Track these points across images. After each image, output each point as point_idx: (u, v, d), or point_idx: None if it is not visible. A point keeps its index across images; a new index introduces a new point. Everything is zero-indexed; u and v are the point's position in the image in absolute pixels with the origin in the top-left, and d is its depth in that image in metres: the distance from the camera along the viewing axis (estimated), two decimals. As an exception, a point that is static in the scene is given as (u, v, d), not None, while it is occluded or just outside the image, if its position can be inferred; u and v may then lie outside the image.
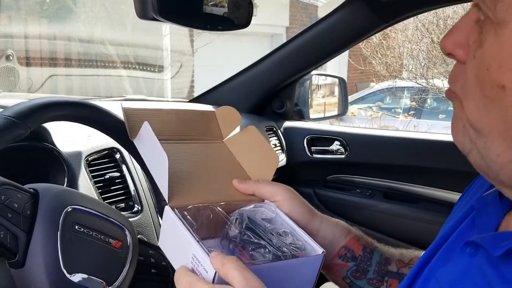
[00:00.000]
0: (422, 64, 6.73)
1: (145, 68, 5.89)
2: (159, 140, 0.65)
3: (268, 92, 2.02)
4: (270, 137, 1.94)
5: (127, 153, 1.13)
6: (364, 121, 5.80)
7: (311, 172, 2.05)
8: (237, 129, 1.78)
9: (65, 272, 0.70)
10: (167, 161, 0.62)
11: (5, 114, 0.70)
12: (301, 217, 0.71)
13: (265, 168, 0.77)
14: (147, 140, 0.68)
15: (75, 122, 0.83)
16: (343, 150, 1.97)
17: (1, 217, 0.65)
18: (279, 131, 2.02)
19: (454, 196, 1.73)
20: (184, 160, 0.73)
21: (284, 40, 1.94)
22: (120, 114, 0.88)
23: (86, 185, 1.02)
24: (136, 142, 0.72)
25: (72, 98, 0.85)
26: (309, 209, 0.73)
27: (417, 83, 6.60)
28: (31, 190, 0.73)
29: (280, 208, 0.71)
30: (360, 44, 6.83)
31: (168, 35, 6.26)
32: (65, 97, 0.82)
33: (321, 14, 8.84)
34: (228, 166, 0.78)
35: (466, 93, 0.47)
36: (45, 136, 0.98)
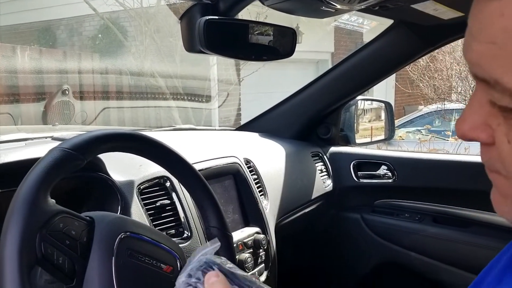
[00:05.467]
0: (472, 86, 6.57)
1: (193, 99, 6.02)
2: None
3: (314, 118, 2.03)
4: (316, 163, 1.95)
5: (177, 181, 1.17)
6: (412, 145, 5.68)
7: (358, 197, 2.03)
8: (283, 153, 1.79)
9: (119, 296, 0.72)
10: None
11: (63, 147, 0.74)
12: None
13: None
14: None
15: (128, 152, 0.87)
16: (390, 174, 1.95)
17: (60, 244, 0.69)
18: (325, 156, 2.02)
19: (505, 220, 1.67)
20: None
21: (330, 66, 1.96)
22: (169, 144, 0.91)
23: (138, 213, 1.06)
24: None
25: (124, 130, 0.89)
26: None
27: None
28: (87, 218, 0.76)
29: None
30: (407, 67, 6.76)
31: (215, 65, 6.39)
32: (118, 129, 0.86)
33: (367, 38, 8.82)
34: None
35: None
36: (100, 167, 1.03)
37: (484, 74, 0.43)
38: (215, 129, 2.55)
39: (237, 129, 2.14)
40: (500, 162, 0.45)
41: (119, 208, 1.02)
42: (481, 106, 0.45)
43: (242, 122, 2.26)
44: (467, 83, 6.68)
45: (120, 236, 0.76)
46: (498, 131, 0.44)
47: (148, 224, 1.06)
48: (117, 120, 5.09)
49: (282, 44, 1.10)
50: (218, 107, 6.48)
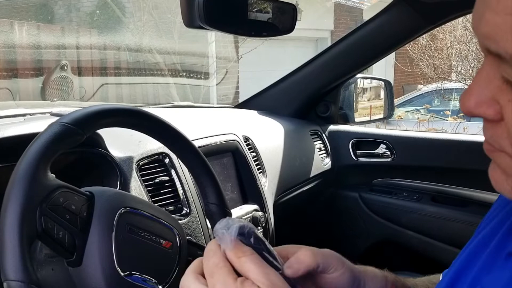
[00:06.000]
0: (472, 65, 6.56)
1: (191, 75, 5.99)
2: None
3: (313, 96, 2.02)
4: (314, 141, 1.95)
5: (176, 157, 1.17)
6: (411, 124, 5.68)
7: (356, 175, 2.04)
8: (281, 131, 1.79)
9: (119, 270, 0.73)
10: None
11: (63, 121, 0.74)
12: (348, 285, 0.63)
13: None
14: None
15: (127, 128, 0.86)
16: (389, 153, 1.95)
17: (60, 218, 0.69)
18: (324, 135, 2.02)
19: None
20: None
21: (329, 44, 1.94)
22: (168, 120, 0.91)
23: (137, 189, 1.06)
24: None
25: (124, 105, 0.89)
26: (354, 273, 0.65)
27: (467, 84, 6.44)
28: (87, 193, 0.76)
29: (329, 282, 0.62)
30: (406, 46, 6.72)
31: (214, 42, 6.34)
32: (118, 105, 0.86)
33: (367, 16, 8.74)
34: None
35: None
36: (99, 142, 1.03)
37: (498, 48, 0.40)
38: (214, 107, 2.54)
39: (236, 107, 2.14)
40: (508, 139, 0.43)
41: (119, 183, 1.03)
42: (490, 81, 0.43)
43: (240, 100, 2.25)
44: (467, 63, 6.66)
45: (119, 211, 0.76)
46: (508, 107, 0.42)
47: (147, 200, 1.07)
48: (115, 96, 5.07)
49: (282, 21, 1.10)
50: (217, 84, 6.45)
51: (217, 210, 0.94)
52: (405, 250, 1.89)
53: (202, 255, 0.54)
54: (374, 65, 2.03)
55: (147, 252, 0.79)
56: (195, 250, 0.91)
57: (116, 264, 0.73)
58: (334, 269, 0.62)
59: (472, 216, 1.70)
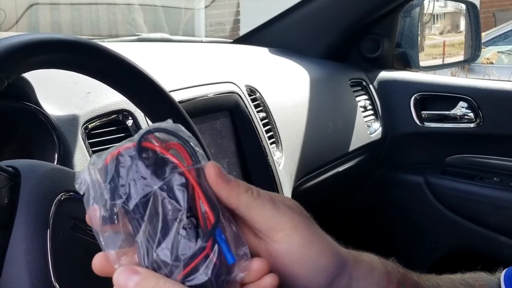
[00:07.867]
0: None
1: (166, -7, 5.95)
2: None
3: (354, 26, 2.02)
4: (357, 96, 1.94)
5: (144, 117, 1.17)
6: (507, 72, 5.67)
7: (421, 149, 2.04)
8: (305, 80, 1.79)
9: (56, 286, 0.74)
10: None
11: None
12: (324, 275, 0.59)
13: None
14: None
15: (70, 70, 0.86)
16: (472, 115, 1.94)
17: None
18: (371, 86, 2.02)
19: None
20: None
21: None
22: (132, 60, 0.91)
23: (85, 164, 1.06)
24: None
25: (65, 36, 0.88)
26: (335, 256, 0.61)
27: None
28: (9, 169, 0.76)
29: (283, 258, 0.57)
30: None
31: None
32: (56, 35, 0.85)
33: None
34: None
35: None
36: (27, 93, 1.02)
37: None
38: (201, 41, 2.54)
39: (235, 42, 2.14)
40: None
41: (57, 156, 1.03)
42: None
43: (242, 31, 2.24)
44: None
45: (58, 197, 0.76)
46: None
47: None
48: (50, 23, 5.04)
49: None
50: (205, 7, 6.41)
51: None
52: (495, 265, 1.90)
53: None
54: (451, -21, 2.02)
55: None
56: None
57: (52, 278, 0.74)
58: (285, 236, 0.57)
59: None
